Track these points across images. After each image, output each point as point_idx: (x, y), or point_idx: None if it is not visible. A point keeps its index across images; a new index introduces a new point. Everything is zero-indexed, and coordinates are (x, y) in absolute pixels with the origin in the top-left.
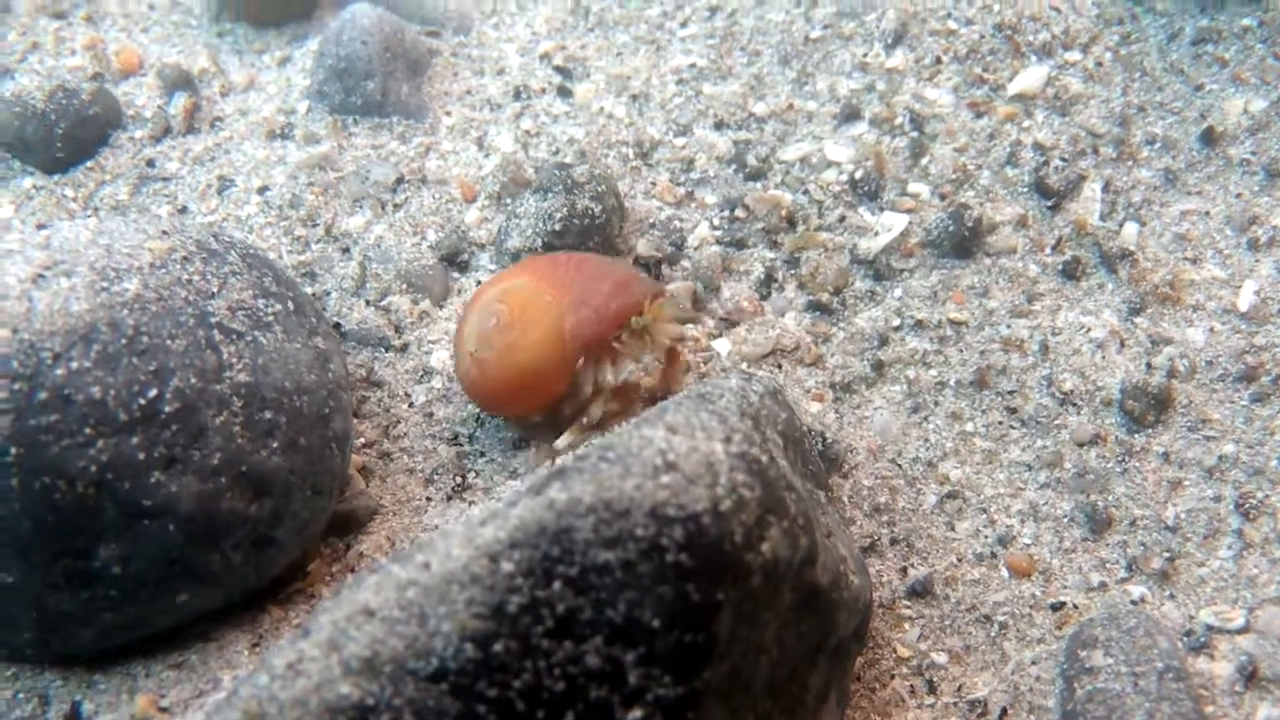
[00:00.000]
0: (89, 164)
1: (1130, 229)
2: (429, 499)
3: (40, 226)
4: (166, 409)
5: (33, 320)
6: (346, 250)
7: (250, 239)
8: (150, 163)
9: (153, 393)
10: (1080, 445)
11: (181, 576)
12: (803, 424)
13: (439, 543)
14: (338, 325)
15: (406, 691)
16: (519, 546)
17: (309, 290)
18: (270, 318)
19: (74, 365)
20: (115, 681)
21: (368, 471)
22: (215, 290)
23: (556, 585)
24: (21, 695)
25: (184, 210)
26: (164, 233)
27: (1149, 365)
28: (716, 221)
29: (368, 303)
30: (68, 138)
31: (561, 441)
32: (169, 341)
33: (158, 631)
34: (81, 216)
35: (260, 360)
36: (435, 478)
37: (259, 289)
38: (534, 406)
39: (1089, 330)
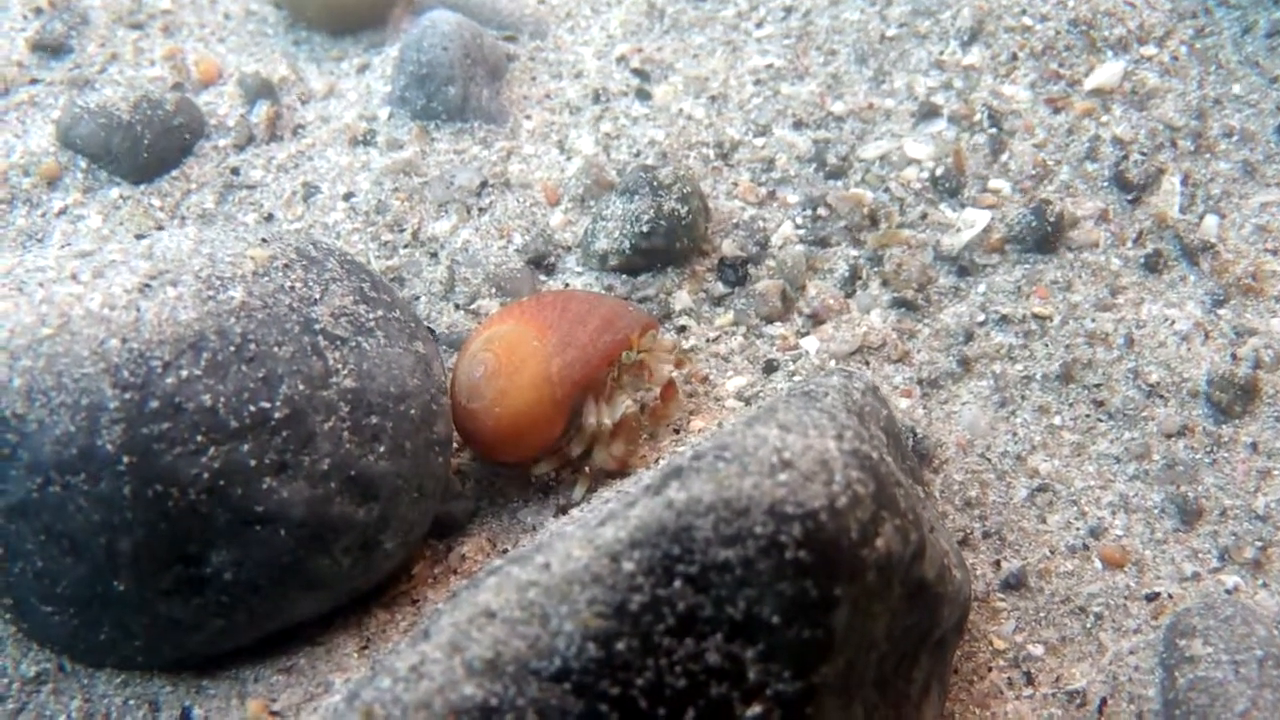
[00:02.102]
0: (174, 173)
1: (1210, 221)
2: (525, 500)
3: (139, 236)
4: (276, 415)
5: (141, 330)
6: (434, 255)
7: (340, 246)
8: (235, 171)
9: (263, 399)
10: (1168, 437)
11: (291, 581)
12: (894, 421)
13: (557, 544)
14: (429, 330)
15: (530, 691)
16: (639, 546)
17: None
18: (372, 323)
19: (184, 373)
20: (224, 686)
21: (463, 474)
22: (318, 297)
23: (677, 583)
24: (132, 702)
25: (270, 218)
26: (264, 240)
27: (1234, 356)
28: (799, 220)
29: (457, 306)
30: (153, 148)
31: (576, 493)
32: (276, 349)
33: (266, 635)
34: (171, 226)
35: (365, 366)
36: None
37: (359, 295)
38: (531, 451)
39: (1173, 322)
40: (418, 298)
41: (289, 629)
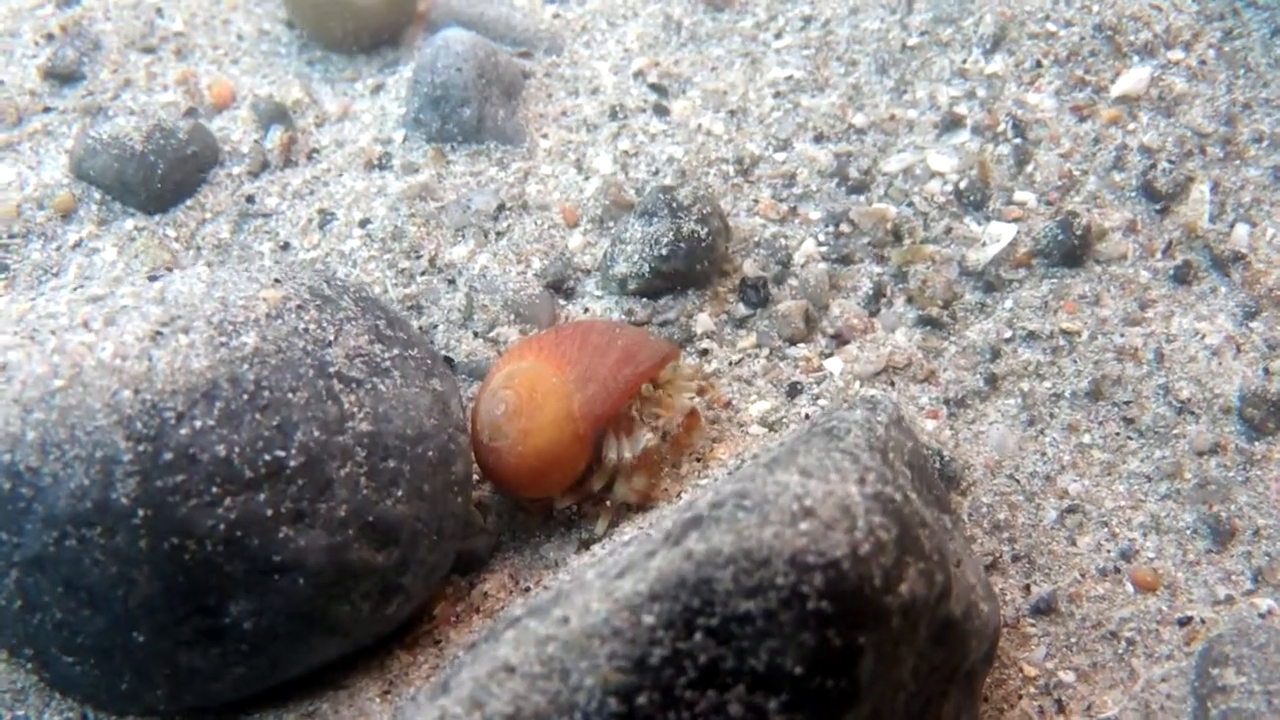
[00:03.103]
0: (189, 202)
1: (1241, 230)
2: (548, 535)
3: (151, 277)
4: (292, 463)
5: (154, 380)
6: (452, 281)
7: (356, 274)
8: (250, 199)
9: (278, 448)
10: (1200, 455)
11: (311, 628)
12: (921, 448)
13: (576, 596)
14: (448, 359)
15: None
16: (659, 599)
17: (416, 324)
18: (388, 363)
19: (198, 424)
20: None
21: (485, 507)
22: (332, 338)
23: (698, 636)
24: None
25: (286, 247)
26: (277, 281)
27: (1267, 371)
28: (822, 238)
29: (476, 334)
30: (167, 177)
31: (598, 529)
32: (290, 395)
33: (288, 680)
34: (188, 262)
35: (381, 408)
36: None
37: (375, 334)
38: (556, 487)
39: (1204, 336)
40: (436, 326)
41: (312, 673)
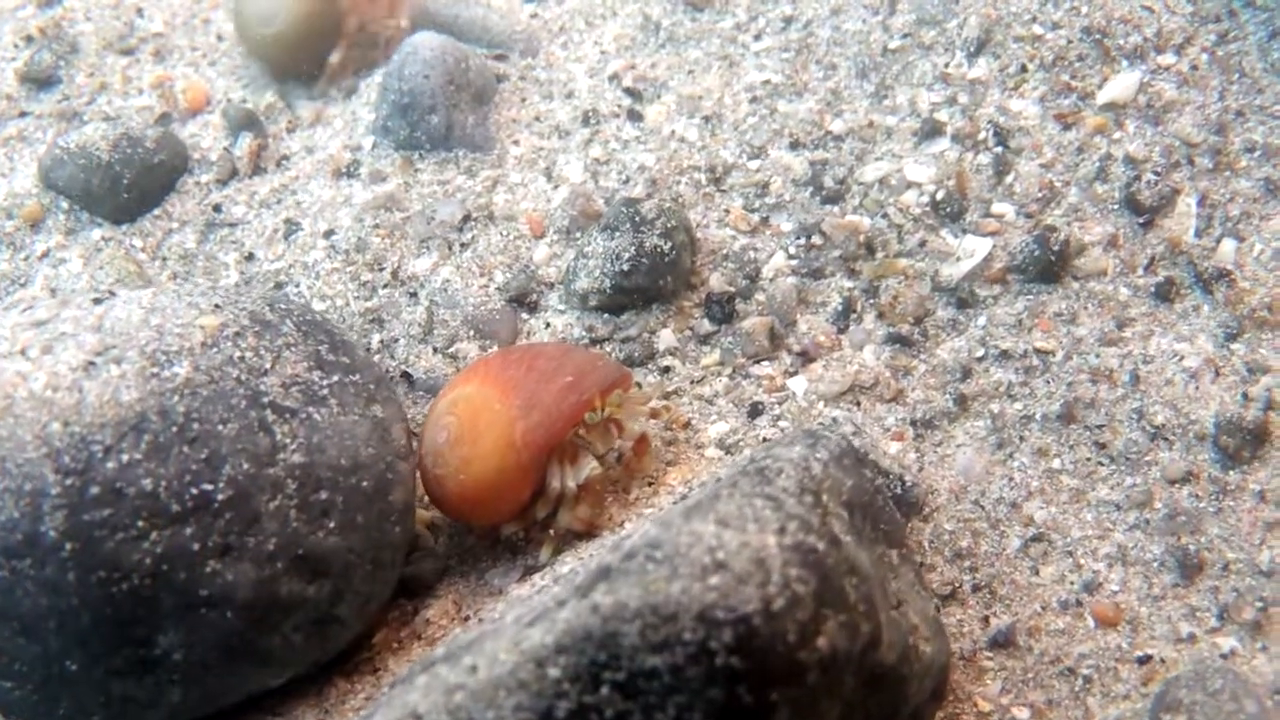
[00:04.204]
0: (156, 212)
1: (1227, 246)
2: (495, 560)
3: (96, 300)
4: (220, 497)
5: (83, 412)
6: (414, 295)
7: (319, 286)
8: (217, 208)
9: (205, 481)
10: (1172, 483)
11: (243, 660)
12: (875, 479)
13: (487, 643)
14: (406, 374)
15: None
16: (565, 651)
17: (377, 338)
18: (325, 391)
19: (125, 458)
20: None
21: (436, 529)
22: (269, 366)
23: (604, 690)
24: None
25: (251, 258)
26: (216, 306)
27: (1245, 396)
28: (792, 250)
29: (435, 350)
30: (134, 187)
31: (542, 556)
32: (220, 427)
33: (225, 708)
34: (154, 272)
35: (315, 439)
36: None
37: (315, 360)
38: (499, 515)
39: (1182, 358)
40: (397, 340)
41: (251, 698)
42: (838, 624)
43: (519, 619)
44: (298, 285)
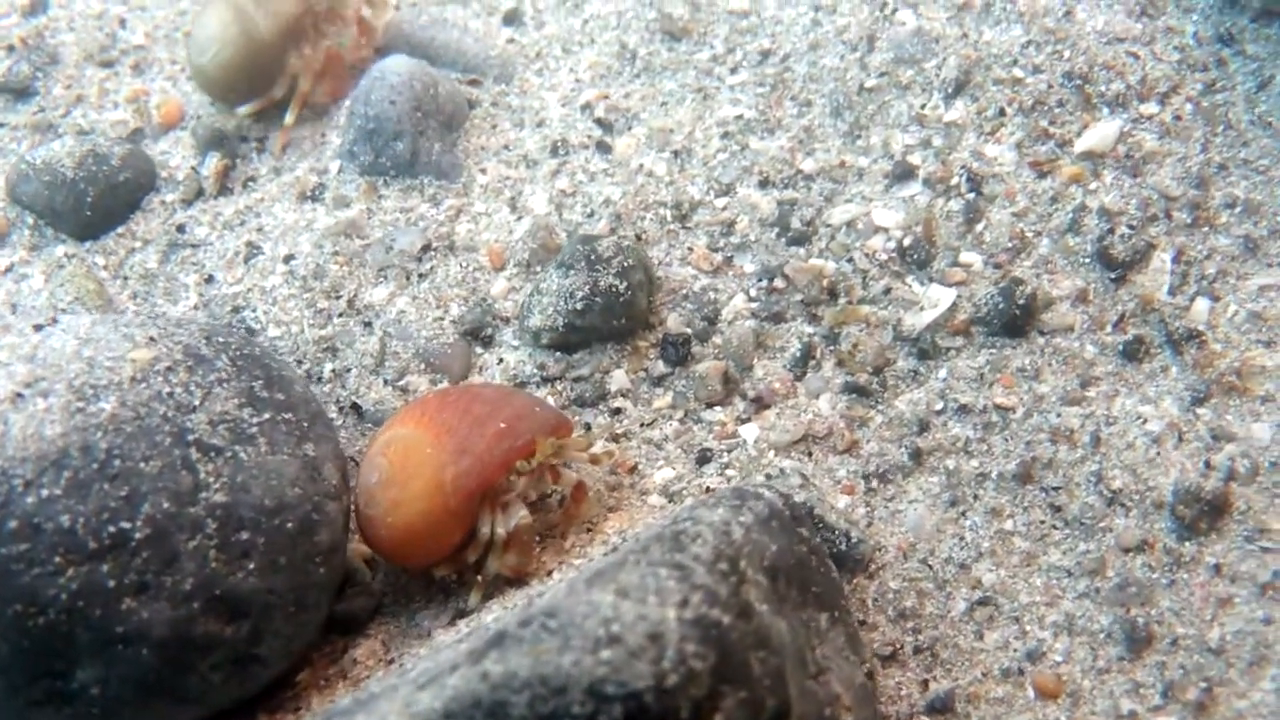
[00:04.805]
0: (120, 230)
1: (1201, 305)
2: (427, 601)
3: (37, 327)
4: (138, 536)
5: (6, 445)
6: (369, 324)
7: (275, 312)
8: (180, 228)
9: (124, 519)
10: (1126, 551)
11: (160, 696)
12: (812, 538)
13: (381, 703)
14: (355, 405)
15: None
16: (453, 717)
17: (329, 366)
18: (255, 429)
19: (44, 493)
20: None
21: (374, 563)
22: (197, 403)
23: None
24: None
25: (210, 280)
26: (151, 339)
27: (1207, 464)
28: (753, 293)
29: (386, 382)
30: (98, 205)
31: (471, 601)
32: (142, 464)
33: None
34: (115, 291)
35: (240, 478)
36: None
37: (247, 397)
38: (428, 557)
39: (1145, 421)
40: (350, 370)
41: None
42: (737, 700)
43: (416, 679)
44: (254, 310)
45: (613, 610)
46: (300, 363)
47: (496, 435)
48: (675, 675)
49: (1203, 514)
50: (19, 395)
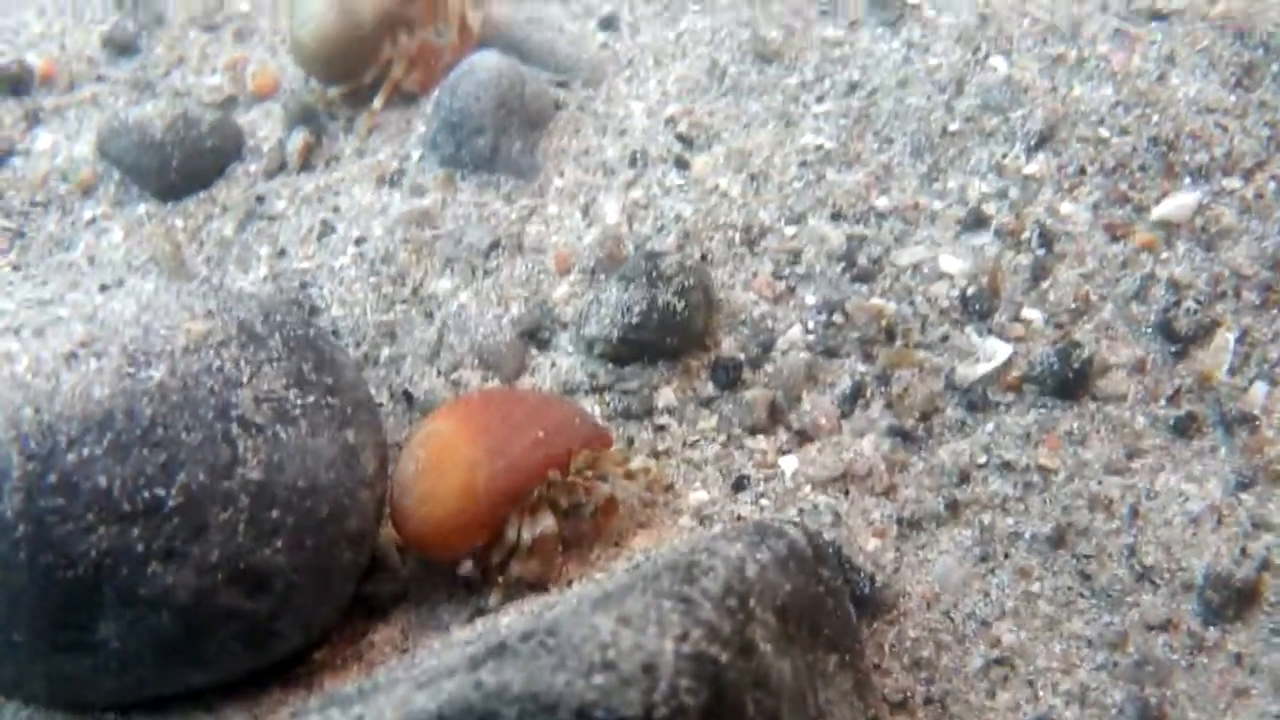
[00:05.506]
0: (203, 195)
1: (1259, 389)
2: (450, 594)
3: (103, 288)
4: (170, 503)
5: (55, 401)
6: (430, 315)
7: (340, 292)
8: (260, 199)
9: (158, 486)
10: (1149, 629)
11: (178, 658)
12: (834, 579)
13: (379, 697)
14: (407, 393)
15: None
16: None
17: (386, 351)
18: (298, 411)
19: (85, 452)
20: None
21: (404, 550)
22: (245, 380)
23: None
24: None
25: (282, 253)
26: (209, 312)
27: (1243, 551)
28: (811, 325)
29: (439, 373)
30: (183, 168)
31: (490, 601)
32: (183, 434)
33: (163, 695)
34: (191, 255)
35: (277, 457)
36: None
37: (294, 378)
38: (455, 553)
39: (1187, 500)
40: (405, 357)
41: (188, 691)
42: None
43: (417, 677)
44: (321, 288)
45: (611, 636)
46: (359, 345)
47: (533, 443)
48: (665, 708)
49: (1231, 601)
50: (73, 354)
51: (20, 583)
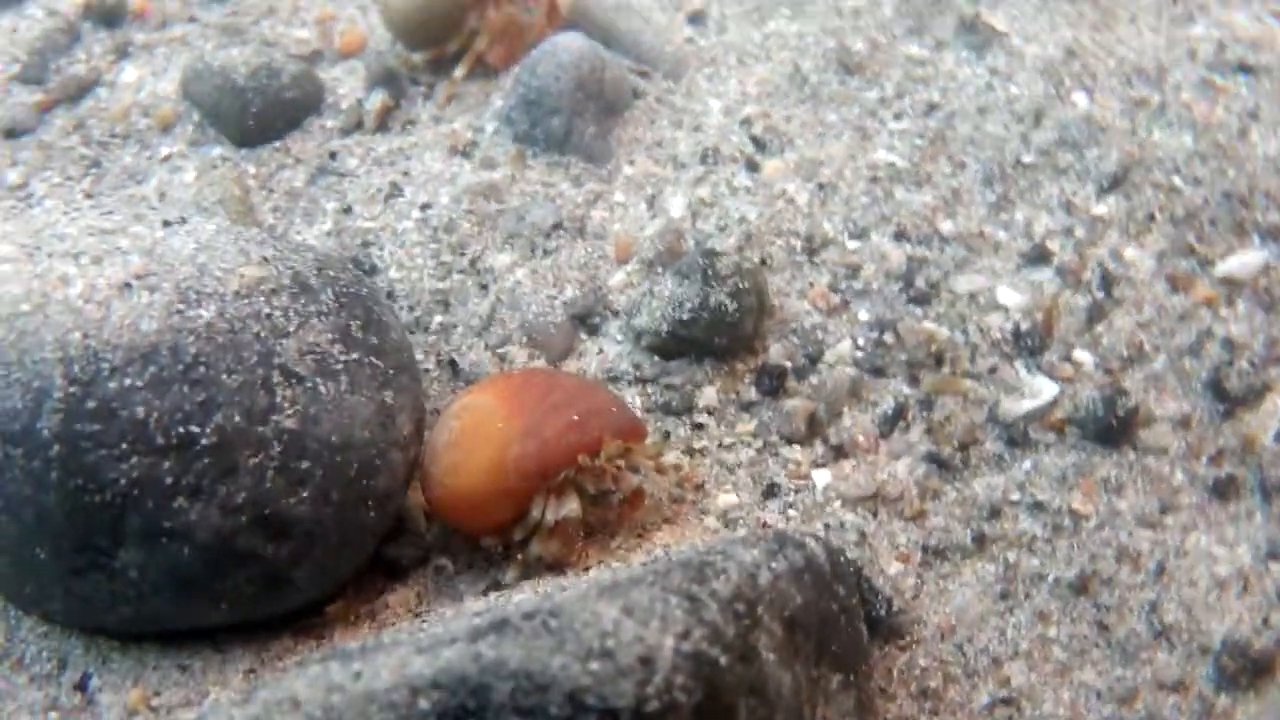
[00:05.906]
0: (277, 145)
1: None
2: (470, 564)
3: (166, 223)
4: (203, 441)
5: (103, 329)
6: (484, 287)
7: (400, 255)
8: (333, 155)
9: (194, 423)
10: (1160, 688)
11: (194, 594)
12: (849, 598)
13: (378, 655)
14: (453, 362)
15: None
16: (440, 688)
17: (438, 319)
18: (339, 366)
19: (127, 382)
20: (128, 664)
21: (432, 516)
22: (292, 330)
23: None
24: (45, 653)
25: (348, 210)
26: (265, 259)
27: (1265, 621)
28: (861, 341)
29: (487, 346)
30: (261, 116)
31: (508, 576)
32: (224, 376)
33: (179, 629)
34: (258, 202)
35: (313, 409)
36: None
37: (341, 334)
38: (478, 527)
39: (1215, 562)
40: (456, 326)
41: (200, 627)
42: None
43: (420, 641)
44: (382, 249)
45: (613, 625)
46: (412, 309)
47: (567, 426)
48: (656, 702)
49: (1246, 670)
50: (128, 285)
51: (48, 502)
